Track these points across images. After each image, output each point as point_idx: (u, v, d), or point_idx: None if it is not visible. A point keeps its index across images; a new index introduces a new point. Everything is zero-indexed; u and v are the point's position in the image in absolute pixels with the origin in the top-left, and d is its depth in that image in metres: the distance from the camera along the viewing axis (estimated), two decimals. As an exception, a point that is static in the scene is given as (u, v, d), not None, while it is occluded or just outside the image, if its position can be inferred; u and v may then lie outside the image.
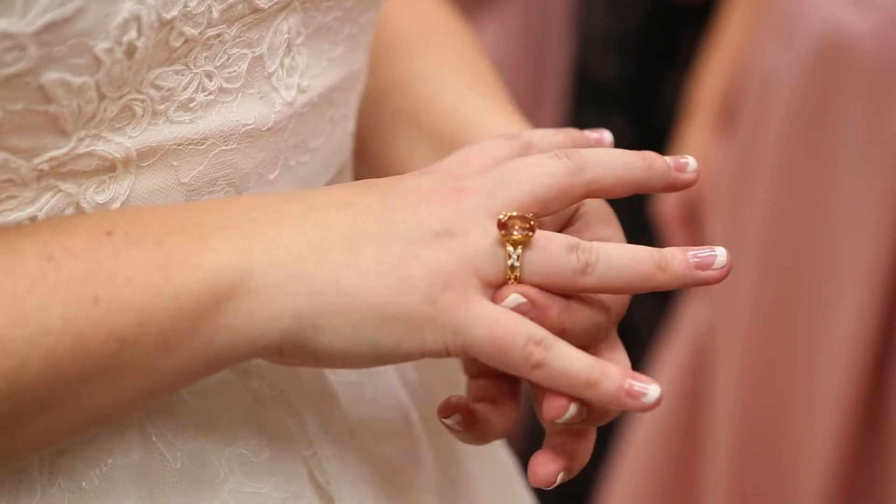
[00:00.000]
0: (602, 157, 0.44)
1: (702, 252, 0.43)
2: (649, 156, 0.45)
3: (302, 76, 0.48)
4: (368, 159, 0.57)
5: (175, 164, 0.44)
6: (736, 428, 1.02)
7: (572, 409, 0.41)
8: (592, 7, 1.51)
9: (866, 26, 0.93)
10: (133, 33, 0.40)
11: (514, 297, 0.41)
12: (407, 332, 0.40)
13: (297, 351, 0.41)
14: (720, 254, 0.43)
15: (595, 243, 0.42)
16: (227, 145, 0.45)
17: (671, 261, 0.42)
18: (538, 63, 1.62)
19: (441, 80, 0.58)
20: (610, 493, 1.17)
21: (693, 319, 1.11)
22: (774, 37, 1.01)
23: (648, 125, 1.41)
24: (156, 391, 0.41)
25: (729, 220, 1.05)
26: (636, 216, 1.37)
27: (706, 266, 0.43)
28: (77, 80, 0.39)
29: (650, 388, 0.40)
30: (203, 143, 0.45)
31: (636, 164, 0.44)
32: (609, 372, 0.40)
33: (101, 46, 0.39)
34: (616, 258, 0.42)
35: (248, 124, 0.46)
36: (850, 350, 0.93)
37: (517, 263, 0.41)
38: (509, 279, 0.41)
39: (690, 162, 0.45)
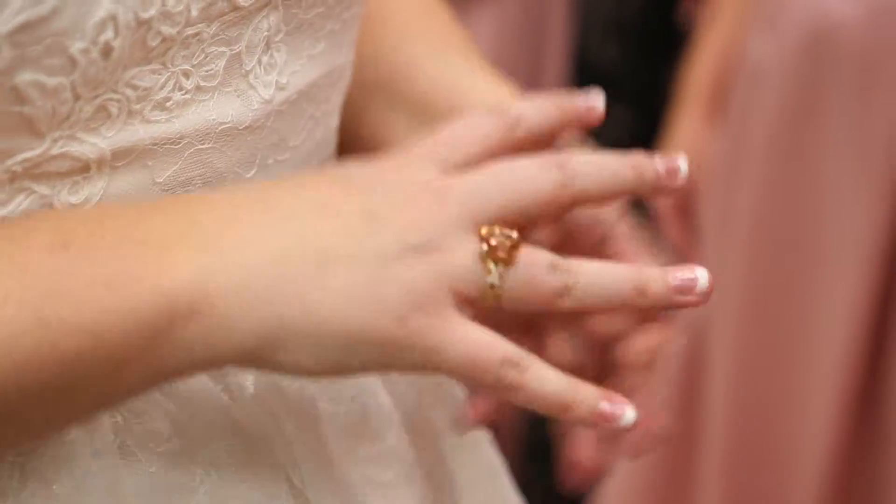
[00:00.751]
0: (592, 168, 0.44)
1: (683, 275, 0.42)
2: (640, 163, 0.45)
3: (280, 73, 0.47)
4: (340, 134, 0.56)
5: (150, 163, 0.44)
6: (730, 425, 1.03)
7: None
8: None
9: (854, 16, 0.93)
10: (110, 33, 0.40)
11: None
12: (376, 355, 0.40)
13: (258, 365, 0.41)
14: (701, 277, 0.42)
15: (576, 263, 0.42)
16: (203, 144, 0.45)
17: (651, 285, 0.42)
18: (537, 50, 1.64)
19: (415, 46, 0.58)
20: (604, 493, 1.18)
21: (686, 313, 1.11)
22: (762, 27, 1.01)
23: (649, 112, 1.42)
24: (104, 406, 0.41)
25: (719, 212, 1.05)
26: (634, 204, 1.40)
27: (687, 290, 0.43)
28: (52, 81, 0.39)
29: (625, 411, 0.40)
30: (179, 143, 0.45)
31: (626, 175, 0.44)
32: (585, 394, 0.40)
33: (76, 47, 0.39)
34: (596, 280, 0.42)
35: (224, 123, 0.45)
36: (842, 344, 0.94)
37: (497, 282, 0.41)
38: (487, 298, 0.41)
39: (682, 166, 0.45)
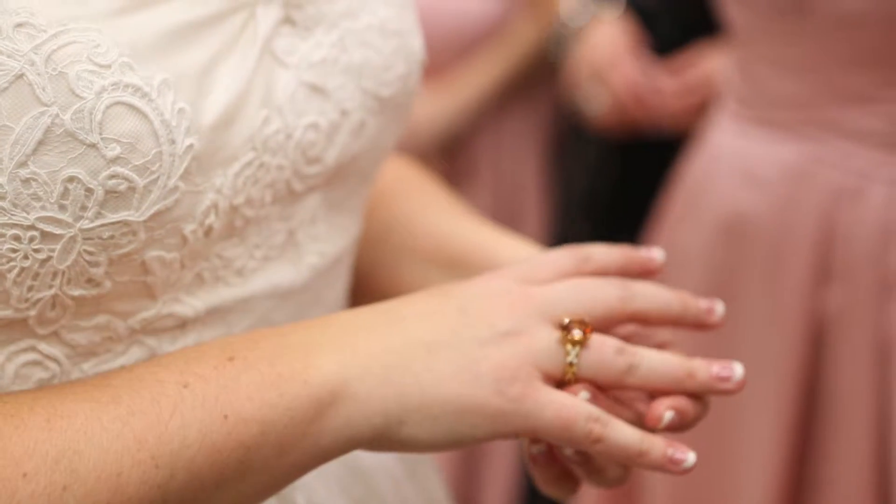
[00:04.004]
0: (648, 293, 0.49)
1: (724, 366, 0.48)
2: (685, 299, 0.51)
3: (323, 244, 0.54)
4: (374, 294, 0.60)
5: (229, 319, 0.49)
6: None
7: (668, 415, 0.47)
8: (572, 175, 1.54)
9: (760, 207, 1.00)
10: (212, 217, 0.46)
11: (583, 394, 0.46)
12: (481, 421, 0.44)
13: (385, 442, 0.45)
14: (737, 371, 0.48)
15: (639, 349, 0.47)
16: (267, 303, 0.50)
17: (698, 371, 0.47)
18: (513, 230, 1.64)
19: (437, 214, 0.65)
20: None
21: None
22: (687, 218, 1.09)
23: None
24: (274, 487, 0.45)
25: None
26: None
27: (726, 379, 0.48)
28: (169, 256, 0.45)
29: (688, 456, 0.45)
30: (250, 302, 0.50)
31: (674, 305, 0.50)
32: (655, 443, 0.45)
33: (188, 228, 0.45)
34: (656, 364, 0.47)
35: (283, 286, 0.51)
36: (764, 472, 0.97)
37: (575, 360, 0.45)
38: (567, 374, 0.45)
39: (718, 309, 0.52)
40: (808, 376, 0.97)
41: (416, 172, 0.70)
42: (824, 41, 0.96)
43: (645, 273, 0.53)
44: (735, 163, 1.03)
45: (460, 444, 0.46)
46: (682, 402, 0.49)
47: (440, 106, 1.47)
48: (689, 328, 0.53)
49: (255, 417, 0.43)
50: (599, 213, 1.51)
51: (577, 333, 0.46)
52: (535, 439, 0.48)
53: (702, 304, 0.51)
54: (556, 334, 0.46)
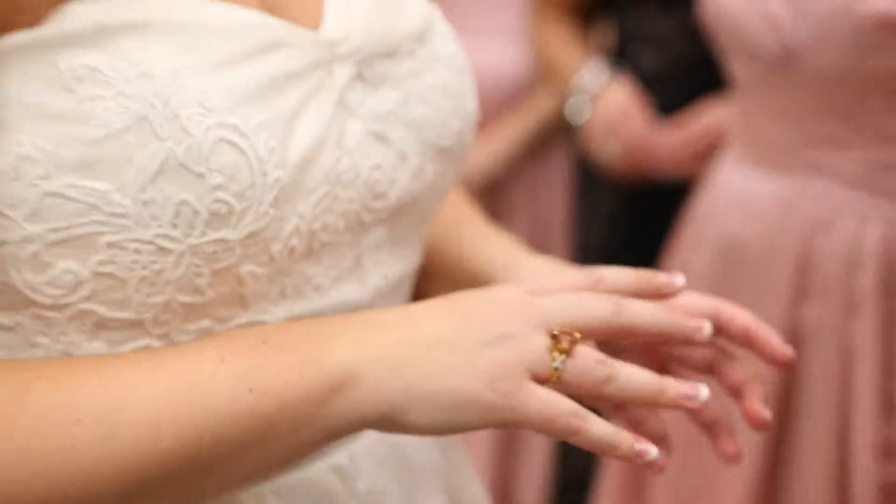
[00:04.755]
0: (640, 310, 0.51)
1: (689, 388, 0.49)
2: (676, 317, 0.52)
3: (386, 268, 0.57)
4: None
5: None
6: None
7: (706, 326, 0.50)
8: (590, 224, 1.61)
9: (753, 233, 1.09)
10: (294, 239, 0.48)
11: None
12: (475, 412, 0.46)
13: (389, 426, 0.46)
14: (702, 392, 0.49)
15: (619, 363, 0.48)
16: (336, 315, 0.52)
17: (668, 389, 0.49)
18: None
19: (486, 247, 0.69)
20: None
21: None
22: (691, 245, 1.19)
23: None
24: (289, 459, 0.47)
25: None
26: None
27: (691, 399, 0.49)
28: (259, 271, 0.47)
29: (650, 450, 0.47)
30: (322, 314, 0.52)
31: (664, 321, 0.51)
32: (625, 438, 0.46)
33: (275, 248, 0.47)
34: (632, 378, 0.48)
35: (350, 303, 0.53)
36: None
37: (560, 367, 0.47)
38: (552, 377, 0.47)
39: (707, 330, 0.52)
40: (785, 382, 1.05)
41: (464, 204, 0.74)
42: (805, 94, 1.05)
43: (658, 297, 0.53)
44: (736, 197, 1.13)
45: (456, 431, 0.48)
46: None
47: (483, 156, 1.59)
48: (680, 344, 0.56)
49: (276, 394, 0.45)
50: (615, 261, 1.53)
51: (564, 343, 0.48)
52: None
53: (691, 323, 0.52)
54: (547, 342, 0.48)
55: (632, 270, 0.53)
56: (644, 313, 0.50)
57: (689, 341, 0.52)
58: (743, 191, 1.13)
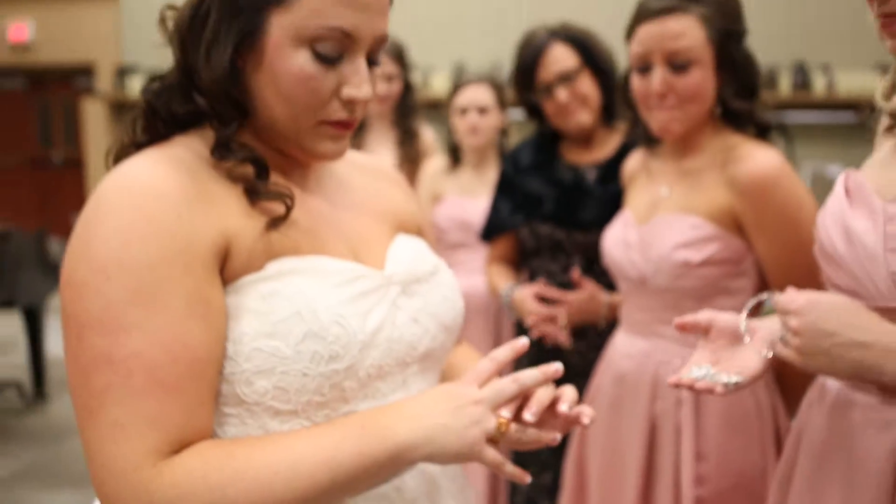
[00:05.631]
0: (530, 378, 0.76)
1: (552, 440, 0.76)
2: (550, 386, 0.77)
3: (419, 384, 0.84)
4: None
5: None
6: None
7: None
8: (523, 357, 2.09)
9: (631, 369, 1.64)
10: (371, 369, 0.77)
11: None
12: (463, 457, 0.74)
13: (426, 461, 0.73)
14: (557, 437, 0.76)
15: (527, 429, 0.75)
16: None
17: (543, 438, 0.75)
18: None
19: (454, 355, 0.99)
20: None
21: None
22: (600, 372, 1.75)
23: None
24: (372, 488, 0.72)
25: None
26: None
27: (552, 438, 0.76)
28: (354, 385, 0.76)
29: (526, 478, 0.75)
30: (387, 401, 0.79)
31: (540, 381, 0.76)
32: (518, 473, 0.73)
33: (361, 373, 0.76)
34: (530, 434, 0.76)
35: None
36: None
37: (500, 436, 0.76)
38: (498, 439, 0.75)
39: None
40: (649, 449, 1.59)
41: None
42: (652, 298, 1.58)
43: (547, 378, 0.80)
44: (623, 349, 1.67)
45: (455, 462, 0.74)
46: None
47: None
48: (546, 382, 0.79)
49: (370, 455, 0.69)
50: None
51: (503, 427, 0.75)
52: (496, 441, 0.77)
53: (550, 369, 0.77)
54: (495, 423, 0.75)
55: (536, 369, 0.79)
56: (533, 379, 0.77)
57: (551, 378, 0.78)
58: (624, 344, 1.68)
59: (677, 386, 1.00)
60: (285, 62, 0.79)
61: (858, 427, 1.03)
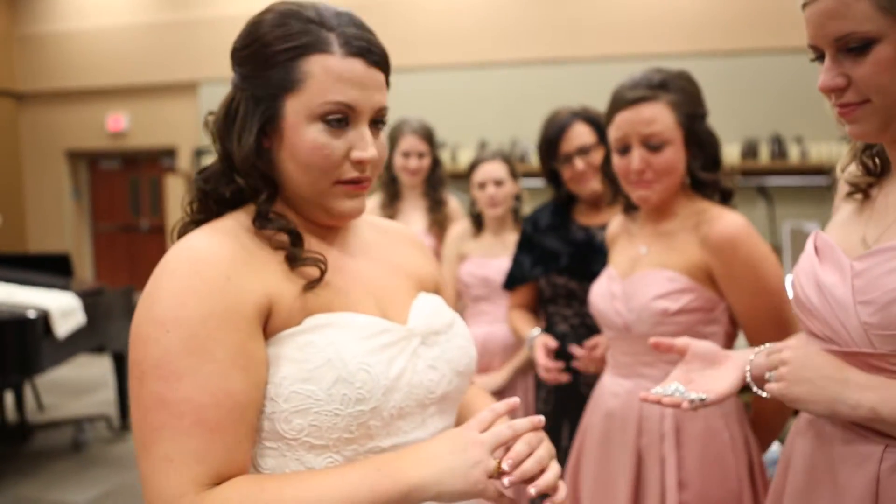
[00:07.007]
0: (522, 426, 0.74)
1: (546, 481, 0.73)
2: (539, 432, 0.75)
3: (437, 425, 0.83)
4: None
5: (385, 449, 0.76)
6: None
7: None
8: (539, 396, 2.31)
9: (618, 406, 1.61)
10: (394, 410, 0.76)
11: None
12: (469, 494, 0.73)
13: (436, 500, 0.70)
14: (560, 493, 0.73)
15: (520, 468, 0.72)
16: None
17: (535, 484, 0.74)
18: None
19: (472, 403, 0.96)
20: None
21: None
22: (590, 410, 1.72)
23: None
24: None
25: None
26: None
27: (552, 489, 0.74)
28: (378, 424, 0.75)
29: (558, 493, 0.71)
30: (408, 445, 0.77)
31: (529, 428, 0.75)
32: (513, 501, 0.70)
33: (385, 413, 0.76)
34: (526, 468, 0.73)
35: (420, 439, 0.79)
36: None
37: (496, 474, 0.74)
38: (495, 475, 0.73)
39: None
40: (636, 479, 1.55)
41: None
42: (635, 344, 1.54)
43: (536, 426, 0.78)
44: (610, 389, 1.62)
45: (462, 500, 0.71)
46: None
47: (497, 376, 2.40)
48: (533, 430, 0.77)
49: (384, 494, 0.68)
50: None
51: (500, 467, 0.74)
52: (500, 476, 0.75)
53: (534, 420, 0.75)
54: (493, 464, 0.73)
55: (527, 419, 0.76)
56: (522, 427, 0.75)
57: (537, 426, 0.76)
58: (611, 385, 1.64)
59: (645, 400, 1.03)
60: (301, 137, 0.82)
61: (838, 459, 1.01)
